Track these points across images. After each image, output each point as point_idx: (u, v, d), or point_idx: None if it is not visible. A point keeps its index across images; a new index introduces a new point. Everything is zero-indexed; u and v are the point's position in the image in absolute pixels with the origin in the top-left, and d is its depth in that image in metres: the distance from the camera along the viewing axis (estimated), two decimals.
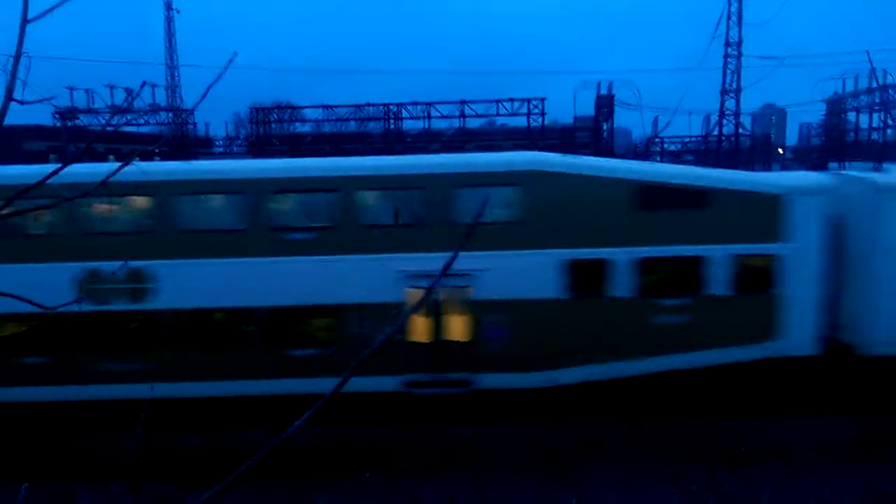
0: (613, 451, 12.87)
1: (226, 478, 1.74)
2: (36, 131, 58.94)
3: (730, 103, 60.75)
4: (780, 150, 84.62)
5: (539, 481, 11.91)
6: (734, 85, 60.32)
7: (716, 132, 62.30)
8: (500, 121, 77.18)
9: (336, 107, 57.85)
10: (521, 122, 58.79)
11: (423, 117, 58.83)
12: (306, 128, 70.74)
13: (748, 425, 13.66)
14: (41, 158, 54.88)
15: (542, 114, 56.06)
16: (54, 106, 53.60)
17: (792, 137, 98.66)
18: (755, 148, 68.99)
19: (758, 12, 77.72)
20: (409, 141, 67.65)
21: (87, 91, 56.81)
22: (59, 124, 55.65)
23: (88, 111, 55.91)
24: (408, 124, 62.96)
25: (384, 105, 57.61)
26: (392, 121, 59.16)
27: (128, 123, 58.47)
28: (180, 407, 13.78)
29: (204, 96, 2.21)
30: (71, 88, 56.16)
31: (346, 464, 12.58)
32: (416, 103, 56.71)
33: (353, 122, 64.09)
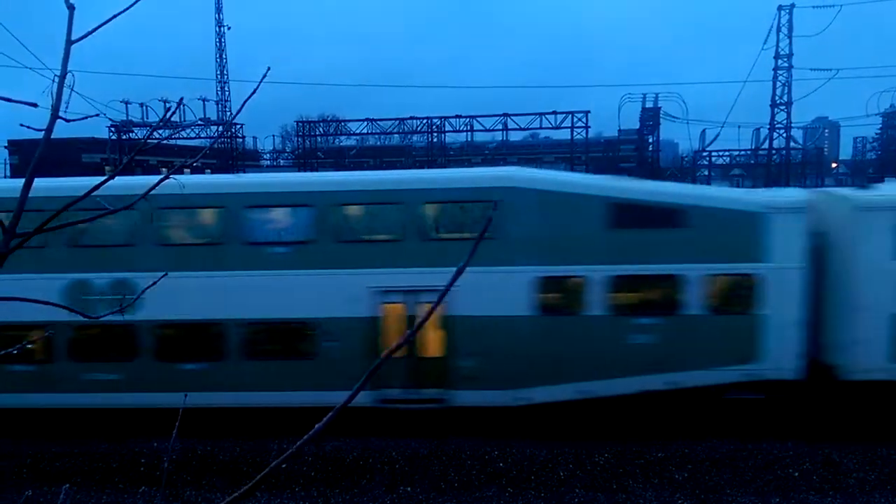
0: (656, 472, 12.53)
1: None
2: (93, 143, 61.24)
3: (780, 116, 59.25)
4: (834, 165, 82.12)
5: (581, 502, 11.66)
6: (785, 97, 58.81)
7: (766, 146, 60.76)
8: (544, 134, 77.04)
9: (380, 120, 58.41)
10: (564, 135, 58.41)
11: (466, 130, 58.95)
12: (351, 141, 71.80)
13: (801, 449, 13.14)
14: (97, 170, 57.00)
15: (586, 127, 55.54)
16: (110, 119, 55.55)
17: (846, 151, 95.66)
18: (807, 162, 67.14)
19: (810, 24, 75.90)
20: (452, 154, 67.94)
21: (141, 105, 58.79)
22: (114, 137, 57.61)
23: (143, 125, 57.77)
24: (450, 137, 63.30)
25: (427, 118, 57.95)
26: (435, 134, 59.45)
27: (172, 137, 60.12)
28: None
29: (240, 110, 2.25)
30: (126, 102, 58.20)
31: (388, 477, 12.54)
32: (459, 116, 56.84)
33: (396, 136, 64.72)
